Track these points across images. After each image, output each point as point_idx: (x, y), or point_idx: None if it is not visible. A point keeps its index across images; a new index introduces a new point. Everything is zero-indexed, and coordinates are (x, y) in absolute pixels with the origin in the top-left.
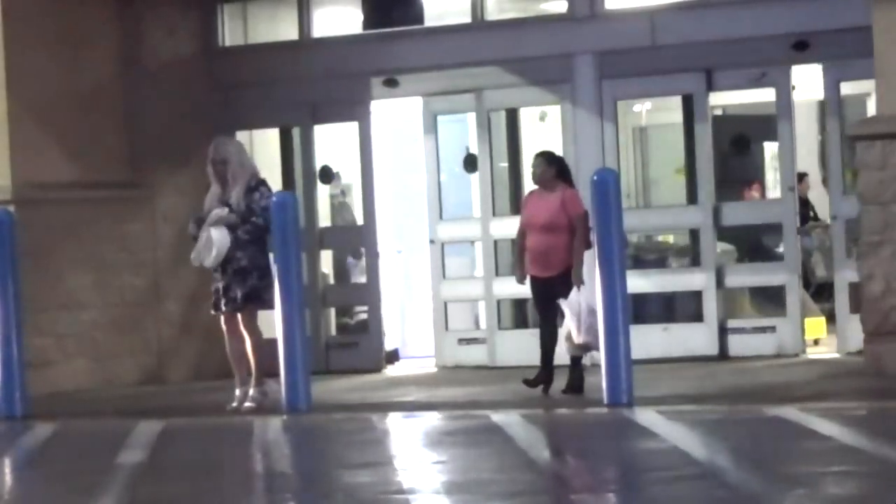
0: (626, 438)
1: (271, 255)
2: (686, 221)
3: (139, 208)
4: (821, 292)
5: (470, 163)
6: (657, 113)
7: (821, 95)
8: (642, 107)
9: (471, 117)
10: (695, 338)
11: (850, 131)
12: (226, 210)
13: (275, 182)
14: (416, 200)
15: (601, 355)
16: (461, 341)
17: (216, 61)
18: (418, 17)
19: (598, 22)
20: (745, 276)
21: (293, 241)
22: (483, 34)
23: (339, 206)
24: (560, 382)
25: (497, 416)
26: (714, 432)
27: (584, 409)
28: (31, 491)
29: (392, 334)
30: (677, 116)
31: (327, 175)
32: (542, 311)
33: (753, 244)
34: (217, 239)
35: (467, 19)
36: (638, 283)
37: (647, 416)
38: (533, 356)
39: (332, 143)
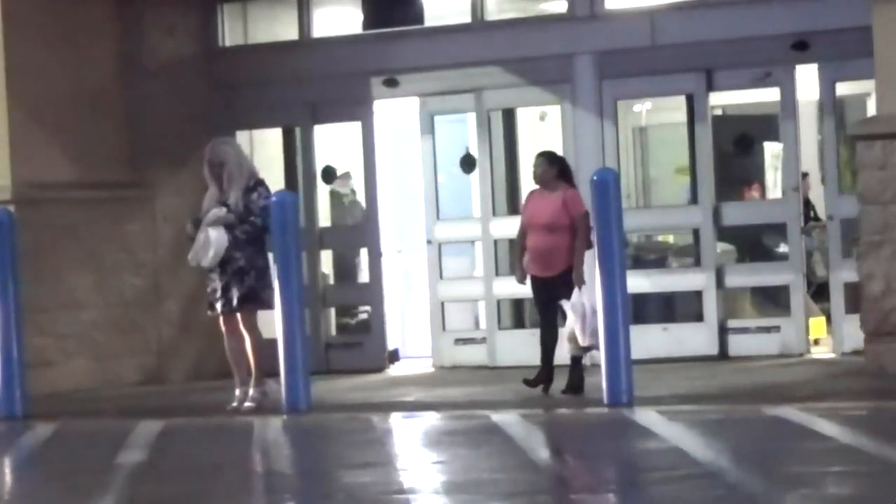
0: (626, 438)
1: (271, 256)
2: (686, 221)
3: (139, 208)
4: (821, 292)
5: (467, 163)
6: (657, 113)
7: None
8: (642, 107)
9: (471, 117)
10: (695, 338)
11: (850, 131)
12: (223, 210)
13: (276, 182)
14: (417, 200)
15: (601, 355)
16: (458, 341)
17: (216, 61)
18: (418, 17)
19: (598, 22)
20: (748, 276)
21: (293, 241)
22: (483, 34)
23: (351, 206)
24: (560, 382)
25: (497, 416)
26: (714, 432)
27: (584, 409)
28: (31, 491)
29: (392, 334)
30: (677, 116)
31: (330, 175)
32: (542, 311)
33: (755, 244)
34: (215, 239)
35: (467, 19)
36: (638, 283)
37: (647, 416)
38: (533, 356)
39: (335, 143)
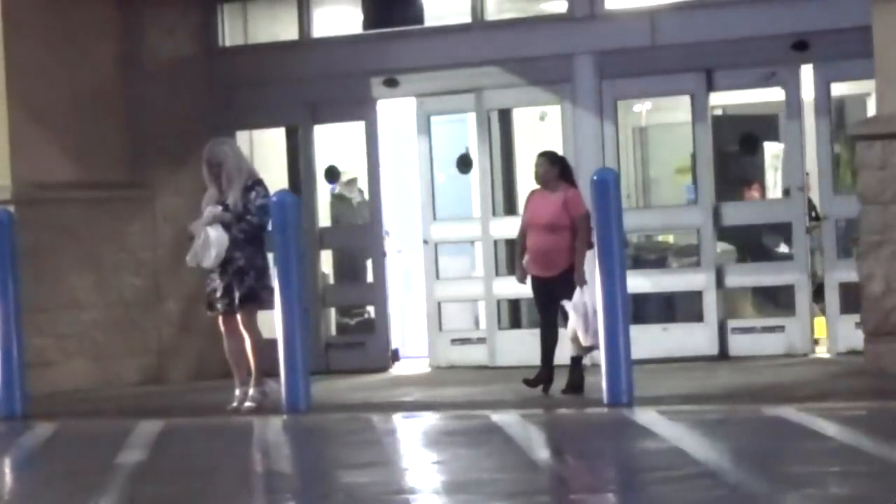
0: (626, 438)
1: (270, 256)
2: (686, 221)
3: (139, 208)
4: (821, 292)
5: (464, 163)
6: (657, 113)
7: None
8: (642, 107)
9: (470, 117)
10: (695, 338)
11: (850, 131)
12: (219, 208)
13: (276, 182)
14: (416, 201)
15: (601, 355)
16: (455, 341)
17: (216, 61)
18: (418, 17)
19: (598, 22)
20: (753, 276)
21: (293, 241)
22: (483, 34)
23: (359, 207)
24: (560, 382)
25: (497, 416)
26: (714, 432)
27: (584, 409)
28: (31, 491)
29: (392, 334)
30: (677, 116)
31: (333, 175)
32: (542, 311)
33: (756, 244)
34: (215, 239)
35: (467, 19)
36: (638, 283)
37: (647, 416)
38: (533, 356)
39: (337, 143)
